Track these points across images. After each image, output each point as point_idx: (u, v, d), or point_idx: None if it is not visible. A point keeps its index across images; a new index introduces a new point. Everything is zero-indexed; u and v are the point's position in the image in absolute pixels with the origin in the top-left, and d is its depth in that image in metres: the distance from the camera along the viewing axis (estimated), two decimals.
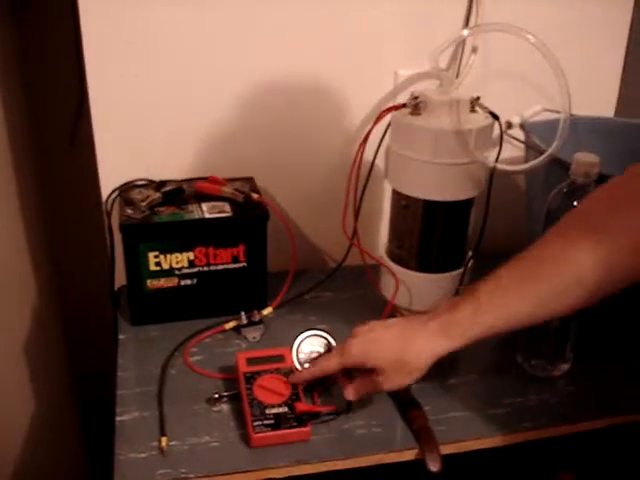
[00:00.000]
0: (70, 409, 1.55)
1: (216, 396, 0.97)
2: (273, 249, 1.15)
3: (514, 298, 0.86)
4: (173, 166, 1.21)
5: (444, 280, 1.10)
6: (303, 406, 0.93)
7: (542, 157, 1.01)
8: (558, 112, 0.99)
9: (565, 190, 0.97)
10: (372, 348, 0.91)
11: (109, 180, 1.18)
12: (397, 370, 0.90)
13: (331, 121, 1.25)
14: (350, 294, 1.26)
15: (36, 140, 1.45)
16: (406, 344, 0.90)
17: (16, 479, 1.16)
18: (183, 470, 0.86)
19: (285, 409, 0.93)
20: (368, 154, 1.12)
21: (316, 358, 0.99)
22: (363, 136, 1.09)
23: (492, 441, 0.96)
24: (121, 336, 1.12)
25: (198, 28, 1.13)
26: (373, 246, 1.21)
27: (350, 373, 0.95)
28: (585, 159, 0.95)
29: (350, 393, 0.94)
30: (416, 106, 1.03)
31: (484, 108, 1.04)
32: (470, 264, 1.11)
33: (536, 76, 1.26)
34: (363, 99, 1.24)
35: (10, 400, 1.17)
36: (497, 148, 1.04)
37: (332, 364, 0.94)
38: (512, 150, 1.23)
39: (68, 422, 1.54)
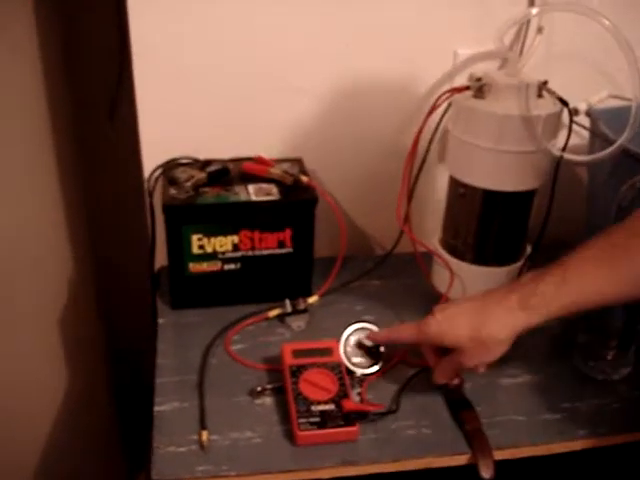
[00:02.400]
0: (105, 390, 1.54)
1: (259, 389, 0.93)
2: (319, 234, 1.10)
3: (605, 271, 0.82)
4: (218, 143, 1.16)
5: (501, 274, 1.05)
6: (351, 404, 0.88)
7: (613, 147, 0.94)
8: (625, 99, 0.93)
9: (639, 185, 0.91)
10: (447, 326, 0.89)
11: (152, 157, 1.13)
12: (476, 347, 0.87)
13: (384, 102, 1.19)
14: (398, 283, 1.20)
15: (75, 116, 1.41)
16: (483, 318, 0.86)
17: (49, 457, 1.14)
18: (224, 467, 0.83)
19: (332, 406, 0.88)
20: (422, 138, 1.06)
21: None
22: (422, 119, 1.04)
23: (548, 448, 0.90)
24: (161, 320, 1.08)
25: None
26: (422, 235, 1.15)
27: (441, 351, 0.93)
28: None
29: (437, 376, 0.93)
30: (480, 89, 0.97)
31: (552, 93, 0.98)
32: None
33: (600, 59, 1.19)
34: (418, 80, 1.17)
35: (44, 379, 1.15)
36: (562, 137, 0.98)
37: (406, 335, 0.94)
38: (573, 138, 1.16)
39: (103, 403, 1.52)
